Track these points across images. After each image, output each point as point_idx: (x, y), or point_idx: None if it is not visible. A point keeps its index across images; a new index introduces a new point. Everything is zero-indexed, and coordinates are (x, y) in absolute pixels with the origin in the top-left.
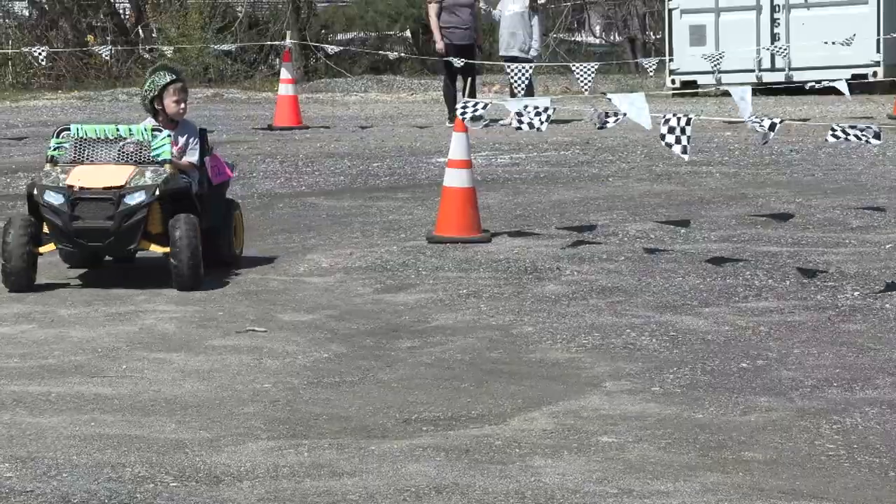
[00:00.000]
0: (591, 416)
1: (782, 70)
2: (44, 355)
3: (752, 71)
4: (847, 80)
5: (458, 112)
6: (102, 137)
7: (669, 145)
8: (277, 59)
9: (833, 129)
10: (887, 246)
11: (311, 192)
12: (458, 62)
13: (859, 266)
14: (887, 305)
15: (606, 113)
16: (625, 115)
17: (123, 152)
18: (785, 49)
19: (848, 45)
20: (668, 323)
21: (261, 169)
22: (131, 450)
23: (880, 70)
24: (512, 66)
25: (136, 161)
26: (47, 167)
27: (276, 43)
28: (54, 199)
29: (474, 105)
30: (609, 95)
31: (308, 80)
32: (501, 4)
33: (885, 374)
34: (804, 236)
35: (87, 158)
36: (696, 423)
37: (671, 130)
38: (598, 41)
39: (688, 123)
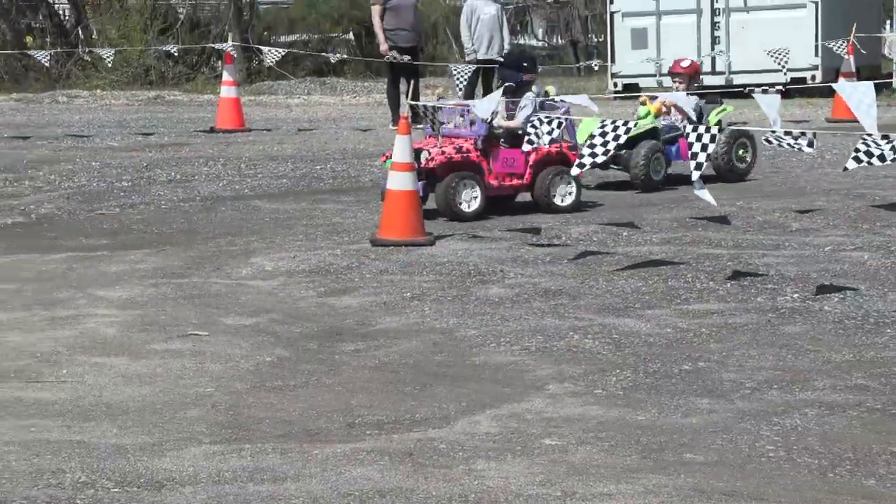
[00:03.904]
0: (535, 419)
1: (723, 73)
2: None
3: None
4: (786, 83)
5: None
6: None
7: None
8: (219, 62)
9: (767, 138)
10: (826, 248)
11: (254, 195)
12: (402, 58)
13: (798, 268)
14: (826, 307)
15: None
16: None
17: None
18: (724, 52)
19: (782, 65)
20: (610, 325)
21: (203, 172)
22: (72, 455)
23: (818, 73)
24: (458, 68)
25: None
26: None
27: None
28: None
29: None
30: (553, 96)
31: (251, 83)
32: (471, 6)
33: (824, 375)
34: (744, 239)
35: None
36: (637, 425)
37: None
38: (540, 44)
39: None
